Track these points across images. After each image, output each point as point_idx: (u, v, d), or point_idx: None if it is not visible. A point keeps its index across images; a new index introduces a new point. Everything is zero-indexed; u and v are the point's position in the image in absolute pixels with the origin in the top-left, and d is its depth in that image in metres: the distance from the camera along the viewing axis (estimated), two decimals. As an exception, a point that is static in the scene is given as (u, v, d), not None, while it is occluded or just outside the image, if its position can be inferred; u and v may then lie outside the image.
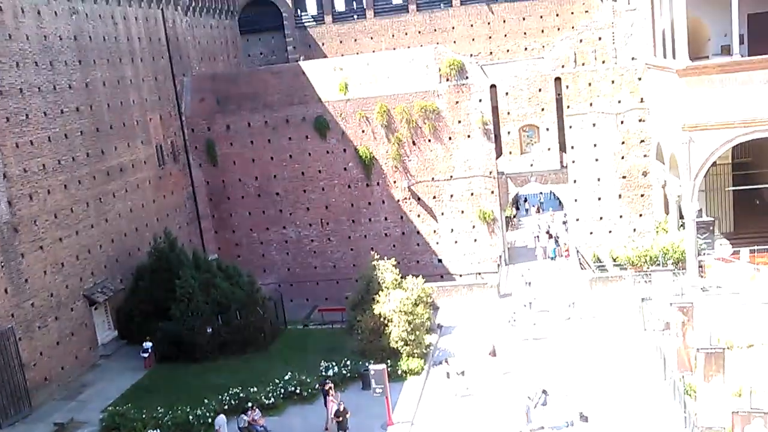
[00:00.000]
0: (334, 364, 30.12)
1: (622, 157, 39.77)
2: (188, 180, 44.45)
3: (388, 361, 29.45)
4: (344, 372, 29.80)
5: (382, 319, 31.54)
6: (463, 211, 42.34)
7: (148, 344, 33.00)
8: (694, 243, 31.65)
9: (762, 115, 29.92)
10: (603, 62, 39.54)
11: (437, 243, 43.15)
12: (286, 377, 29.07)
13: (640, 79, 39.04)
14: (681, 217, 34.09)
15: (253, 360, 33.10)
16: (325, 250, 44.52)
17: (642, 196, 39.97)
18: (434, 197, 42.66)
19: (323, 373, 29.51)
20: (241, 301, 34.08)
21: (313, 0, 55.80)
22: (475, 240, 42.58)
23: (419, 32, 52.86)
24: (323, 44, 54.06)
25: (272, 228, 44.82)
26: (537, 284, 36.70)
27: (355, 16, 54.33)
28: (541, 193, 54.17)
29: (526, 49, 51.58)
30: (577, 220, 40.94)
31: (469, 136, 41.62)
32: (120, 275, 36.38)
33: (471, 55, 45.60)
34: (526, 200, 58.55)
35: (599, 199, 40.38)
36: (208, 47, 49.76)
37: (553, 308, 34.36)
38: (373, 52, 50.08)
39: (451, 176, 42.18)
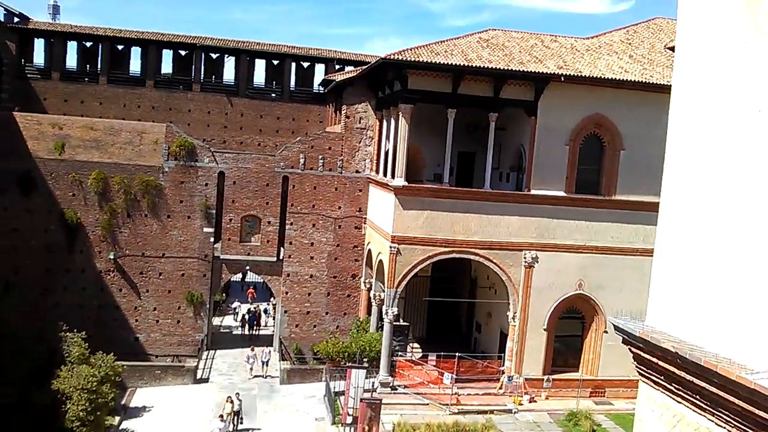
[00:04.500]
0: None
1: (336, 259, 41.44)
2: None
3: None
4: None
5: (60, 396, 28.35)
6: (170, 291, 40.47)
7: None
8: (389, 344, 33.49)
9: (460, 238, 33.43)
10: (330, 170, 41.61)
11: (137, 320, 40.35)
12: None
13: (360, 190, 41.62)
14: (380, 319, 36.02)
15: None
16: (5, 318, 39.18)
17: (349, 296, 41.66)
18: (141, 273, 40.30)
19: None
20: None
21: (41, 51, 52.06)
22: (179, 321, 40.67)
23: (153, 107, 51.33)
24: (45, 99, 50.03)
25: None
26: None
27: (87, 78, 51.38)
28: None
29: (259, 144, 52.54)
30: (286, 312, 41.24)
31: (189, 218, 40.60)
32: None
33: (204, 140, 45.19)
34: (247, 286, 57.34)
35: (309, 294, 41.28)
36: None
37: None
38: (100, 117, 47.45)
39: (164, 254, 40.43)
